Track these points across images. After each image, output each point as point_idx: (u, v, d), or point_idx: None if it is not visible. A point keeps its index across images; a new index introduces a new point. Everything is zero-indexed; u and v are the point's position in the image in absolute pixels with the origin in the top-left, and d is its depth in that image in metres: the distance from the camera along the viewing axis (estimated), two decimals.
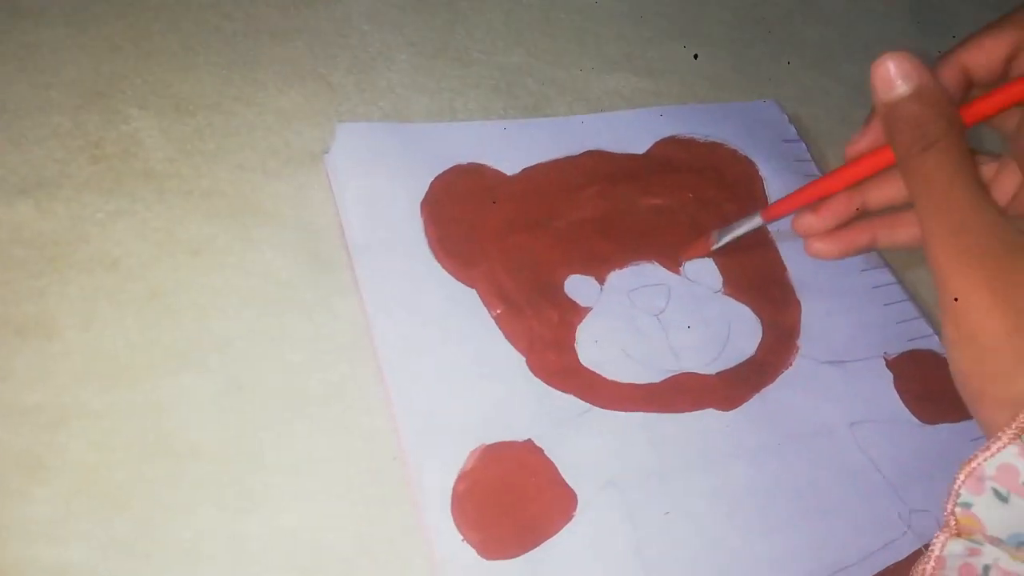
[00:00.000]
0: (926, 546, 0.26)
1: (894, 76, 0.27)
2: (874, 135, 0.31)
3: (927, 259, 0.26)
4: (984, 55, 0.29)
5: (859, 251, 0.33)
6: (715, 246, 0.37)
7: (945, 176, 0.26)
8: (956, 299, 0.25)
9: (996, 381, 0.25)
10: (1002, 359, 0.25)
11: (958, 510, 0.25)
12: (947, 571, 0.25)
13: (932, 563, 0.25)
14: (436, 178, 0.38)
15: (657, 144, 0.42)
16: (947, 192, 0.26)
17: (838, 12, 0.58)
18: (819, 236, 0.33)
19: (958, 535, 0.25)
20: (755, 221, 0.35)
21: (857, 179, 0.31)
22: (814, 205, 0.33)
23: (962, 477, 0.24)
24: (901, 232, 0.33)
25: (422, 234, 0.36)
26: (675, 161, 0.42)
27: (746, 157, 0.43)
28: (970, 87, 0.30)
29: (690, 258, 0.38)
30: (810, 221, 0.32)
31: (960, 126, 0.27)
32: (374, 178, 0.37)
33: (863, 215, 0.32)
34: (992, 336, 0.25)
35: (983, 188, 0.26)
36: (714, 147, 0.43)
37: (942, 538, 0.25)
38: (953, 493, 0.25)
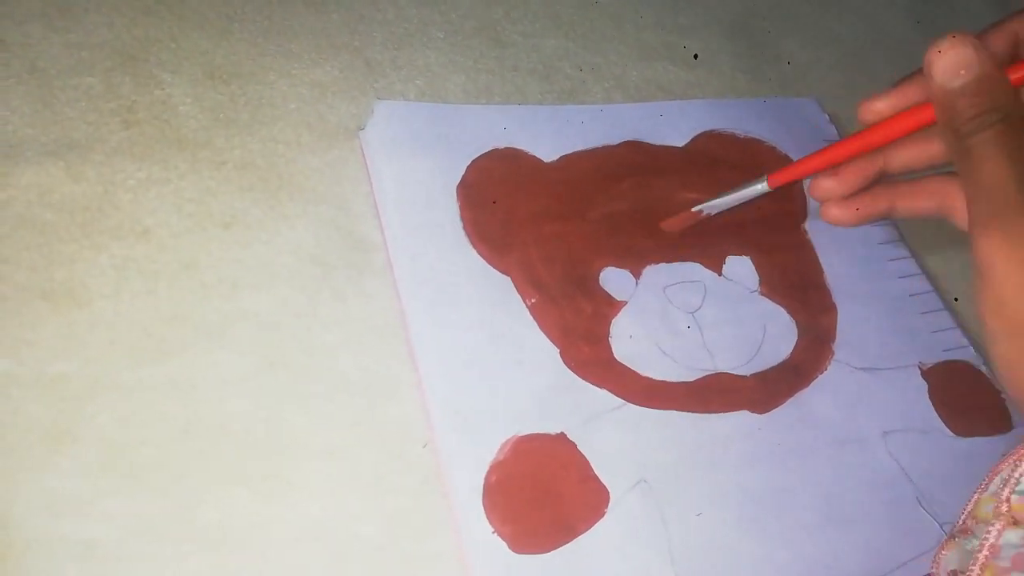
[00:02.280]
0: (952, 536, 0.25)
1: (955, 65, 0.27)
2: (897, 99, 0.30)
3: (971, 244, 0.26)
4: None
5: (876, 218, 0.33)
6: (716, 210, 0.36)
7: (999, 162, 0.25)
8: (1000, 286, 0.24)
9: None
10: None
11: (1014, 498, 0.24)
12: (1000, 560, 0.24)
13: (986, 551, 0.24)
14: (473, 161, 0.37)
15: (697, 138, 0.41)
16: (998, 178, 0.25)
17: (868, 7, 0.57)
18: (836, 202, 0.32)
19: (1015, 524, 0.24)
20: (761, 187, 0.35)
21: (877, 144, 0.31)
22: (834, 169, 0.32)
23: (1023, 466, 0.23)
24: (921, 201, 0.32)
25: (458, 217, 0.36)
26: (714, 156, 0.41)
27: (785, 155, 0.42)
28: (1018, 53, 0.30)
29: (672, 229, 0.37)
30: (828, 185, 0.32)
31: (1018, 115, 0.26)
32: (410, 158, 0.36)
33: (882, 180, 0.32)
34: None
35: None
36: (754, 144, 0.42)
37: (998, 526, 0.24)
38: (1011, 480, 0.24)
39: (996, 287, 0.25)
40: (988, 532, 0.24)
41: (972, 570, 0.25)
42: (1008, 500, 0.24)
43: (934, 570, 0.27)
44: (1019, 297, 0.24)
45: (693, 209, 0.37)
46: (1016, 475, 0.24)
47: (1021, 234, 0.24)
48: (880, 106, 0.31)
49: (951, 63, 0.27)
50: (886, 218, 0.33)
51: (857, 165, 0.32)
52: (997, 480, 0.25)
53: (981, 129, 0.26)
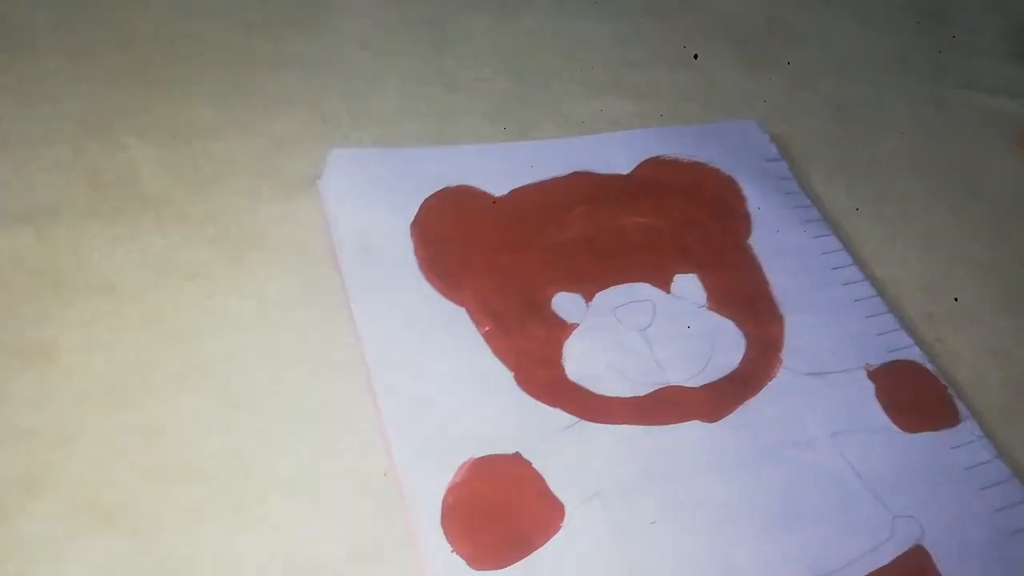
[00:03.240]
0: None
1: None
2: None
3: None
4: None
5: None
6: None
7: None
8: None
9: None
10: None
11: None
12: None
13: None
14: (425, 200, 0.39)
15: (642, 165, 0.43)
16: None
17: (822, 28, 0.59)
18: None
19: None
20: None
21: None
22: None
23: None
24: None
25: (412, 255, 0.37)
26: (660, 181, 0.43)
27: (729, 176, 0.44)
28: None
29: None
30: None
31: None
32: (365, 201, 0.38)
33: None
34: None
35: None
36: (697, 167, 0.44)
37: None
38: None
39: None
40: None
41: None
42: None
43: None
44: None
45: None
46: None
47: None
48: None
49: None
50: None
51: None
52: None
53: None
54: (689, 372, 0.37)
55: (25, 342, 0.32)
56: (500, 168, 0.42)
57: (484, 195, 0.40)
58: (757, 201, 0.43)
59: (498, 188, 0.41)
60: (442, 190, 0.40)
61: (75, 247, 0.35)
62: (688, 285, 0.40)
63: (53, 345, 0.33)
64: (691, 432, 0.35)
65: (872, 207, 0.47)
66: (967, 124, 0.54)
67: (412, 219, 0.38)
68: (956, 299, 0.44)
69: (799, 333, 0.39)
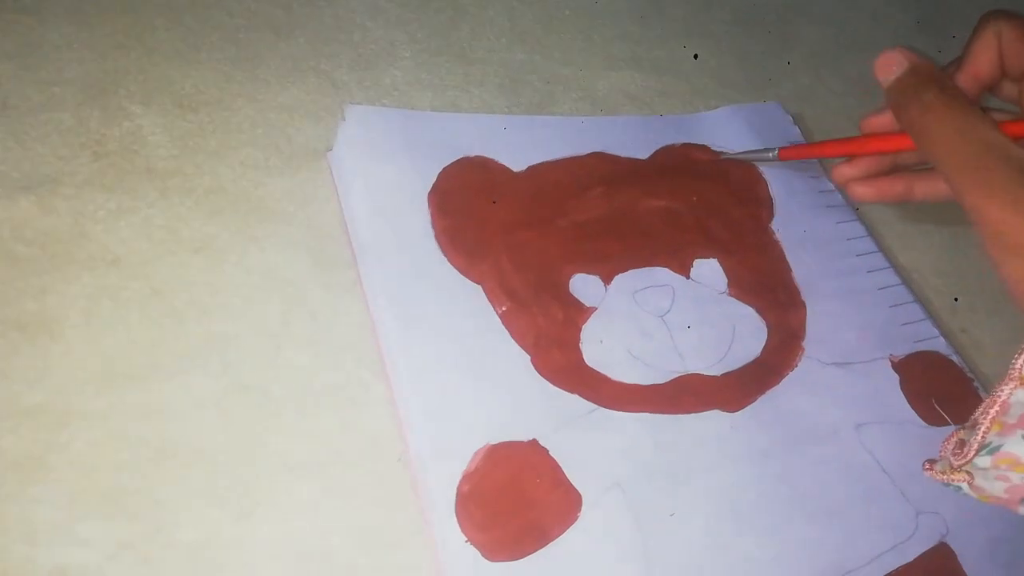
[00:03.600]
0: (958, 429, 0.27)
1: (890, 63, 0.31)
2: (887, 119, 0.34)
3: (962, 205, 0.28)
4: (981, 65, 0.32)
5: (896, 199, 0.35)
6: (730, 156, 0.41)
7: (951, 129, 0.29)
8: (992, 225, 0.27)
9: None
10: None
11: None
12: (1008, 418, 0.27)
13: (997, 407, 0.27)
14: (443, 169, 0.38)
15: (659, 151, 0.42)
16: (956, 142, 0.28)
17: (838, 11, 0.58)
18: (857, 181, 0.36)
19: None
20: (771, 155, 0.39)
21: (867, 152, 0.35)
22: (850, 157, 0.36)
23: None
24: (939, 186, 0.35)
25: (429, 225, 0.36)
26: (676, 167, 0.42)
27: (744, 162, 0.43)
28: (989, 86, 0.33)
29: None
30: (844, 171, 0.36)
31: (953, 89, 0.30)
32: (381, 164, 0.37)
33: (898, 169, 0.35)
34: None
35: (991, 127, 0.28)
36: (716, 153, 0.43)
37: (1010, 386, 0.27)
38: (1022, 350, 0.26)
39: (989, 226, 0.27)
40: (1000, 390, 0.27)
41: (982, 423, 0.27)
42: (1021, 367, 0.27)
43: (947, 443, 0.29)
44: (1010, 230, 0.27)
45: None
46: None
47: (994, 178, 0.27)
48: (875, 123, 0.35)
49: (887, 61, 0.31)
50: (905, 200, 0.35)
51: (870, 157, 0.35)
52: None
53: (925, 107, 0.29)
54: (710, 360, 0.36)
55: (26, 316, 0.31)
56: (519, 141, 0.40)
57: (503, 169, 0.39)
58: (779, 185, 0.42)
59: (516, 162, 0.39)
60: (462, 159, 0.38)
61: (77, 218, 0.34)
62: (708, 270, 0.38)
63: (55, 320, 0.31)
64: (712, 422, 0.34)
65: None
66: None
67: (431, 186, 0.37)
68: (980, 289, 0.43)
69: (822, 321, 0.38)
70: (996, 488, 0.28)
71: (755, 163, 0.43)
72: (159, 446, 0.30)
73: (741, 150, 0.42)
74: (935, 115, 0.29)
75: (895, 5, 0.60)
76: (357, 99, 0.41)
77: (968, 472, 0.28)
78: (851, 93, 0.52)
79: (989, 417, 0.27)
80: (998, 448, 0.27)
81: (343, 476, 0.31)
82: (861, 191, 0.35)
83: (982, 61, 0.32)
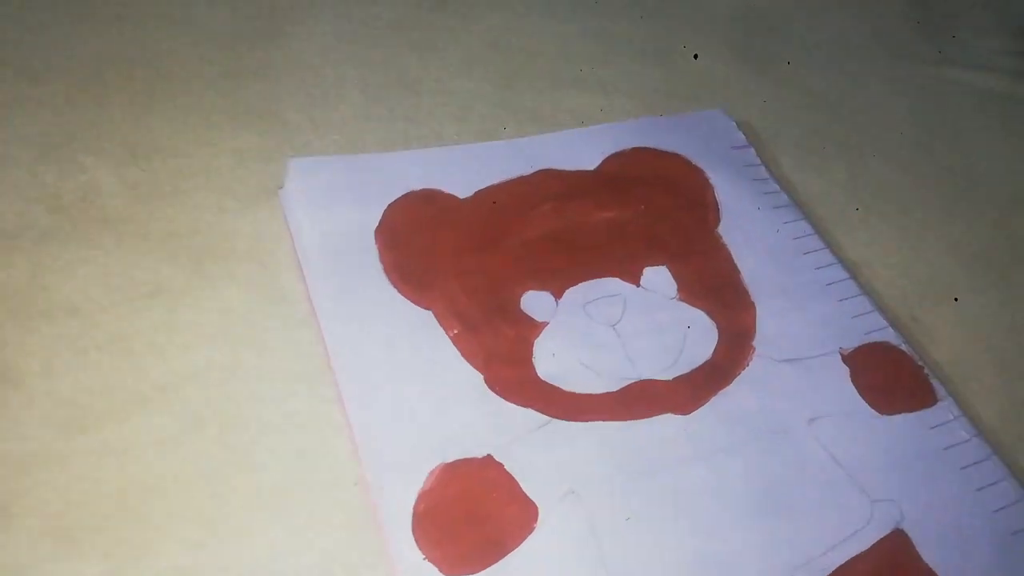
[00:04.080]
0: None
1: None
2: None
3: None
4: None
5: None
6: None
7: None
8: None
9: None
10: None
11: None
12: None
13: None
14: (389, 206, 0.39)
15: (607, 159, 0.43)
16: None
17: (788, 15, 0.59)
18: None
19: None
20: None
21: None
22: None
23: None
24: None
25: (377, 261, 0.37)
26: (626, 174, 0.43)
27: (696, 166, 0.44)
28: None
29: None
30: None
31: None
32: (328, 210, 0.38)
33: None
34: None
35: None
36: (663, 157, 0.44)
37: None
38: None
39: None
40: None
41: None
42: None
43: None
44: None
45: None
46: None
47: None
48: None
49: None
50: None
51: None
52: None
53: None
54: (661, 365, 0.36)
55: None
56: (465, 170, 0.41)
57: (449, 197, 0.40)
58: (725, 189, 0.43)
59: (463, 190, 0.40)
60: (406, 194, 0.39)
61: (35, 271, 0.35)
62: (658, 277, 0.39)
63: (15, 370, 0.32)
64: (665, 425, 0.35)
65: (844, 190, 0.47)
66: (943, 100, 0.54)
67: (376, 224, 0.38)
68: (929, 278, 0.43)
69: (772, 320, 0.39)
70: None
71: (704, 169, 0.44)
72: (120, 486, 0.31)
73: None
74: None
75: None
76: (307, 136, 0.43)
77: None
78: (795, 99, 0.53)
79: None
80: None
81: (302, 503, 0.31)
82: None
83: None
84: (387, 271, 0.37)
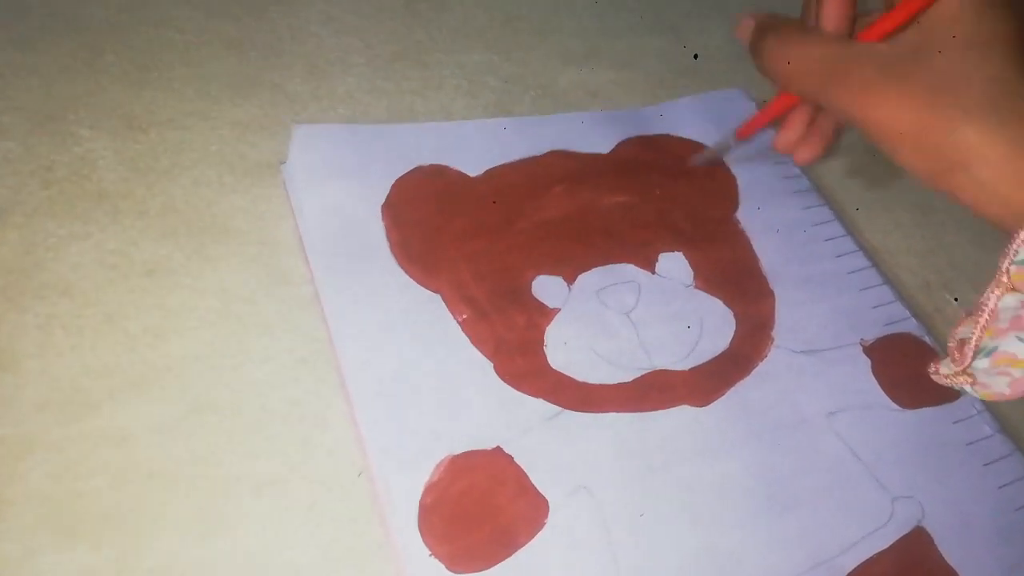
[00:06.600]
0: (968, 314, 0.27)
1: (744, 28, 0.32)
2: None
3: (851, 123, 0.29)
4: None
5: (830, 137, 0.35)
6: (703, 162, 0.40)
7: (796, 58, 0.30)
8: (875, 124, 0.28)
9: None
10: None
11: (1012, 268, 0.26)
12: (999, 323, 0.26)
13: (986, 316, 0.26)
14: (397, 180, 0.37)
15: (622, 143, 0.42)
16: (805, 68, 0.30)
17: None
18: (799, 144, 0.35)
19: (1012, 290, 0.26)
20: (731, 140, 0.38)
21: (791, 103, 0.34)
22: (781, 120, 0.35)
23: (1022, 236, 0.25)
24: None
25: (384, 239, 0.36)
26: (641, 159, 0.41)
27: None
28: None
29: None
30: (785, 136, 0.35)
31: (787, 27, 0.31)
32: (333, 182, 0.36)
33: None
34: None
35: (825, 40, 0.30)
36: (680, 143, 0.42)
37: (997, 292, 0.26)
38: (1010, 252, 0.26)
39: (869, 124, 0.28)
40: (987, 298, 0.26)
41: (974, 333, 0.27)
42: (1007, 271, 0.26)
43: (951, 343, 0.28)
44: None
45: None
46: (1014, 247, 0.25)
47: (848, 85, 0.28)
48: None
49: (739, 30, 0.33)
50: (838, 132, 0.35)
51: (800, 116, 0.34)
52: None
53: (767, 52, 0.31)
54: (677, 355, 0.35)
55: None
56: (475, 146, 0.40)
57: (459, 175, 0.38)
58: (744, 173, 0.42)
59: (473, 167, 0.39)
60: (415, 169, 0.38)
61: (29, 247, 0.33)
62: (674, 264, 0.38)
63: (9, 351, 0.31)
64: (680, 418, 0.34)
65: (866, 173, 0.45)
66: None
67: (384, 200, 0.36)
68: (953, 266, 0.42)
69: (791, 310, 0.38)
70: (999, 384, 0.27)
71: (722, 157, 0.42)
72: (118, 472, 0.30)
73: (706, 145, 0.41)
74: (776, 53, 0.30)
75: None
76: (311, 110, 0.41)
77: (969, 374, 0.28)
78: None
79: (979, 325, 0.27)
80: (994, 350, 0.27)
81: (304, 492, 0.30)
82: (806, 153, 0.35)
83: None
84: (394, 250, 0.35)
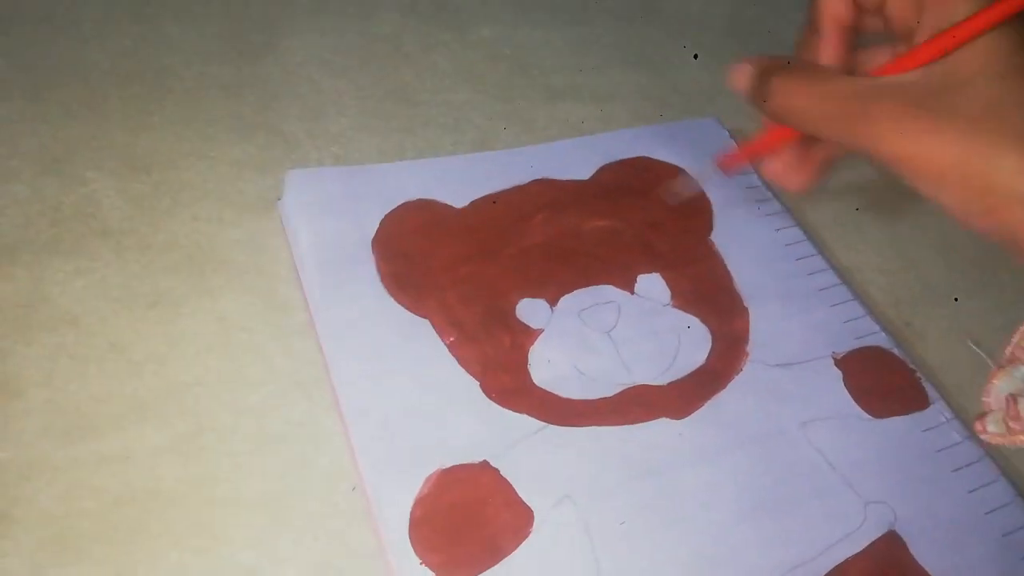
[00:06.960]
0: (1000, 367, 0.28)
1: (740, 75, 0.33)
2: None
3: (874, 160, 0.28)
4: (836, 10, 0.32)
5: (828, 166, 0.35)
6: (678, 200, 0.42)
7: (805, 101, 0.30)
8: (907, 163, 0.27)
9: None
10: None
11: None
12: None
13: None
14: (386, 216, 0.39)
15: (601, 169, 0.44)
16: (817, 109, 0.29)
17: (778, 24, 0.60)
18: (791, 174, 0.35)
19: None
20: (710, 168, 0.40)
21: (785, 138, 0.34)
22: (772, 152, 0.35)
23: None
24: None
25: (375, 271, 0.37)
26: (620, 183, 0.43)
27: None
28: (854, 27, 0.33)
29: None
30: (776, 165, 0.35)
31: (789, 67, 0.31)
32: (326, 220, 0.38)
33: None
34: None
35: (834, 76, 0.30)
36: (657, 167, 0.44)
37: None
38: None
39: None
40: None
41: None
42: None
43: (986, 399, 0.27)
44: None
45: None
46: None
47: (871, 122, 0.28)
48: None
49: (734, 77, 0.33)
50: (837, 161, 0.35)
51: (789, 146, 0.35)
52: None
53: (772, 97, 0.31)
54: (656, 371, 0.37)
55: None
56: (460, 180, 0.42)
57: (445, 207, 0.41)
58: (718, 196, 0.44)
59: (459, 200, 0.41)
60: (403, 204, 0.40)
61: (37, 283, 0.35)
62: (652, 284, 0.40)
63: (17, 380, 0.33)
64: (660, 430, 0.35)
65: (836, 195, 0.47)
66: None
67: (373, 235, 0.39)
68: (922, 282, 0.44)
69: (765, 325, 0.39)
70: None
71: (701, 184, 0.44)
72: (119, 494, 0.31)
73: (682, 168, 0.44)
74: (787, 94, 0.30)
75: None
76: (305, 148, 0.43)
77: None
78: None
79: None
80: None
81: (299, 508, 0.32)
82: (797, 180, 0.35)
83: (834, 8, 0.31)
84: (384, 281, 0.37)
